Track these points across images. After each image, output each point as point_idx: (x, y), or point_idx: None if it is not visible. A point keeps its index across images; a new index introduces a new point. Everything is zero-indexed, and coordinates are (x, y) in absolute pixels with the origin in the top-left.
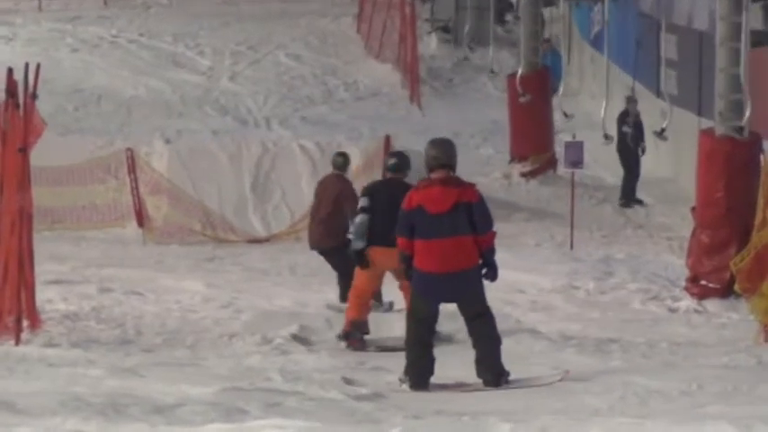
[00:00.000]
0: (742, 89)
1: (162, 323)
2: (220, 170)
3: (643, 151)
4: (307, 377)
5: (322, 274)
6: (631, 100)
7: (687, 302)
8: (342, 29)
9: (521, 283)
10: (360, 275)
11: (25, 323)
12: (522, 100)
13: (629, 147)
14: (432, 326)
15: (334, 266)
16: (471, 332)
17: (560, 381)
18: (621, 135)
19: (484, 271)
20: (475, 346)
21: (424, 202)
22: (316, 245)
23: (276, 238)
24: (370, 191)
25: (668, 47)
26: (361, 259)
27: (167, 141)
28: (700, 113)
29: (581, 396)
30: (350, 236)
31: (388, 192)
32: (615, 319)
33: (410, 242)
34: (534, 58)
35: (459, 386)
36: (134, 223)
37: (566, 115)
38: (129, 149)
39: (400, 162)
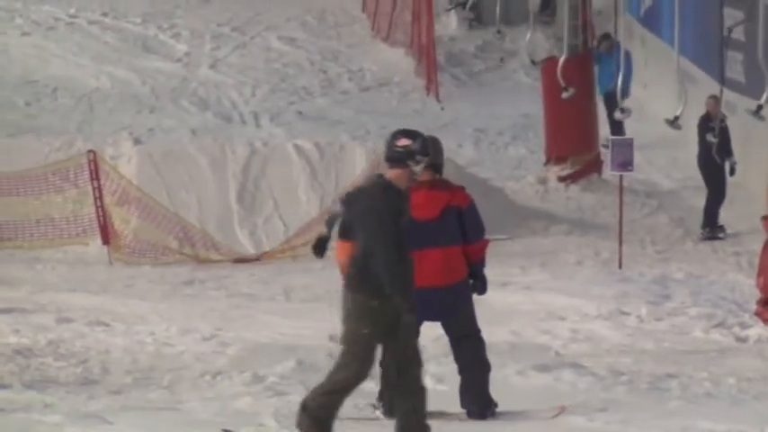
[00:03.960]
0: None
1: (132, 359)
2: (200, 176)
3: (732, 171)
4: None
5: (324, 299)
6: (714, 99)
7: (758, 330)
8: (344, 7)
9: (560, 308)
10: None
11: None
12: (565, 96)
13: (715, 161)
14: None
15: None
16: (457, 356)
17: (555, 417)
18: (704, 146)
19: (471, 283)
20: (461, 372)
21: (416, 208)
22: None
23: (268, 256)
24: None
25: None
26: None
27: (137, 142)
28: None
29: None
30: None
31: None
32: (673, 351)
33: None
34: (575, 41)
35: (440, 415)
36: (98, 240)
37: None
38: (91, 152)
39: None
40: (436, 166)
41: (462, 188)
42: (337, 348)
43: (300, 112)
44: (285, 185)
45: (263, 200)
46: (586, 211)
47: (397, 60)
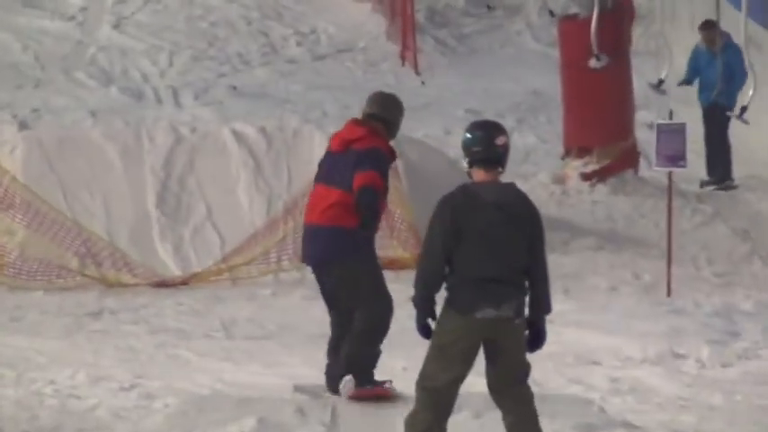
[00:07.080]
0: None
1: (31, 416)
2: (108, 172)
3: None
4: None
5: (275, 335)
6: None
7: None
8: None
9: (593, 349)
10: None
11: None
12: (594, 65)
13: None
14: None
15: None
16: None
17: None
18: None
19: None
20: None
21: (332, 139)
22: None
23: (198, 279)
24: None
25: None
26: None
27: (21, 126)
28: None
29: None
30: None
31: None
32: (749, 407)
33: None
34: None
35: None
36: None
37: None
38: None
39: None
40: (384, 119)
41: (380, 140)
42: (305, 400)
43: (234, 88)
44: (220, 185)
45: (191, 204)
46: (619, 220)
47: (363, 20)
